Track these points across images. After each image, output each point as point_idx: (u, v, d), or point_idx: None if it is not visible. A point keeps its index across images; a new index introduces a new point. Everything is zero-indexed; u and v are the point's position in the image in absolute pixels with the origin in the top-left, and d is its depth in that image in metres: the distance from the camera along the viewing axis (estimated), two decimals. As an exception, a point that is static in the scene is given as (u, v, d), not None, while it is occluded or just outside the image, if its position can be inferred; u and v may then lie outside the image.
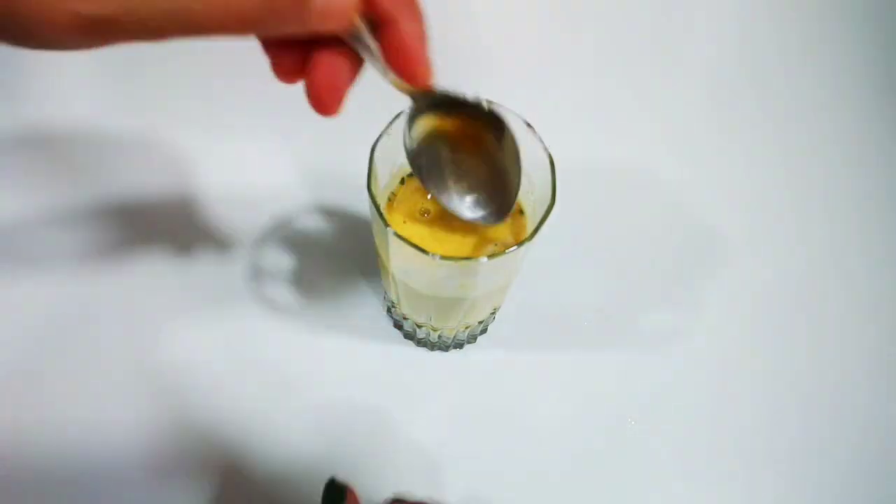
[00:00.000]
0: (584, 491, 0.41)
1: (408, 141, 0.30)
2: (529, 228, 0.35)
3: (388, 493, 0.34)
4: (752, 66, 0.58)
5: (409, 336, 0.43)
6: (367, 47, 0.25)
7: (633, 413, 0.43)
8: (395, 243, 0.31)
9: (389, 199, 0.36)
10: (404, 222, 0.35)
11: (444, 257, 0.30)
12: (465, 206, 0.33)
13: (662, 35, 0.59)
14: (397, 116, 0.32)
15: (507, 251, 0.30)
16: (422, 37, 0.26)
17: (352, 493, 0.28)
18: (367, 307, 0.44)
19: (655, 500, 0.41)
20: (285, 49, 0.26)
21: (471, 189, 0.32)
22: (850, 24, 0.61)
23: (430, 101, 0.29)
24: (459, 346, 0.44)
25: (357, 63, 0.26)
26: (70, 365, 0.42)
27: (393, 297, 0.38)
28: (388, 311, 0.43)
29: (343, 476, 0.29)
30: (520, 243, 0.31)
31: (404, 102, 0.29)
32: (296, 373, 0.42)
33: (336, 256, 0.46)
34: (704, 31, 0.60)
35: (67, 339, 0.43)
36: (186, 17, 0.22)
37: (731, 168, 0.53)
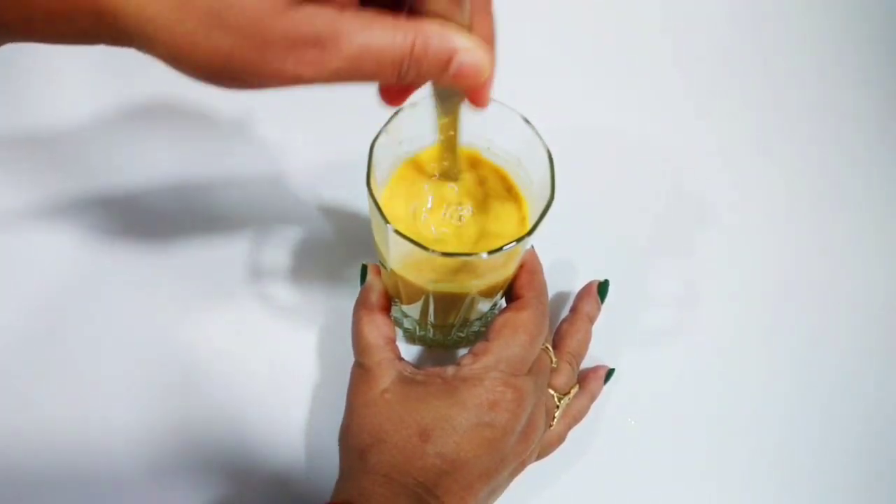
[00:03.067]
0: (584, 490, 0.41)
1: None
2: (530, 221, 0.35)
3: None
4: (751, 45, 0.58)
5: (408, 333, 0.44)
6: None
7: (633, 413, 0.43)
8: (394, 240, 0.31)
9: (388, 196, 0.36)
10: (403, 219, 0.35)
11: (443, 253, 0.30)
12: None
13: (656, 10, 0.59)
14: (396, 113, 0.32)
15: (506, 247, 0.31)
16: (492, 38, 0.27)
17: (372, 265, 0.38)
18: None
19: (656, 500, 0.41)
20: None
21: None
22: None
23: None
24: (459, 342, 0.44)
25: None
26: (68, 364, 0.42)
27: (393, 293, 0.38)
28: (388, 308, 0.43)
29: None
30: (519, 239, 0.31)
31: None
32: (295, 370, 0.43)
33: (335, 253, 0.46)
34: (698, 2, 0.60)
35: (65, 338, 0.43)
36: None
37: (727, 147, 0.53)
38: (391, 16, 0.24)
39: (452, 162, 0.34)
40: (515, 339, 0.34)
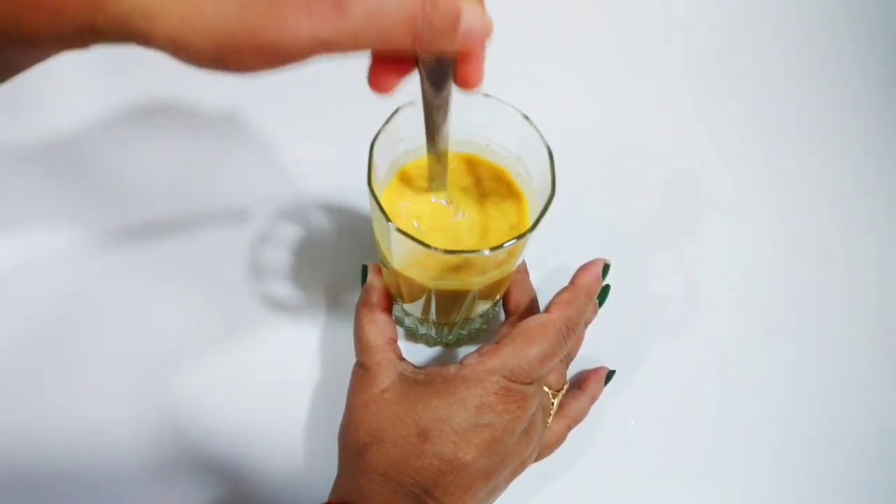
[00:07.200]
0: (584, 490, 0.41)
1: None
2: (530, 218, 0.35)
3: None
4: (751, 43, 0.59)
5: (410, 332, 0.43)
6: None
7: (632, 413, 0.43)
8: (396, 238, 0.31)
9: (390, 195, 0.36)
10: (405, 217, 0.35)
11: (445, 250, 0.30)
12: None
13: (656, 8, 0.60)
14: (395, 112, 0.32)
15: (507, 244, 0.31)
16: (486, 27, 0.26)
17: (373, 265, 0.39)
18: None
19: (655, 500, 0.41)
20: (392, 63, 0.26)
21: None
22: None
23: None
24: (461, 340, 0.44)
25: None
26: (69, 364, 0.42)
27: (395, 292, 0.38)
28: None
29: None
30: (520, 235, 0.31)
31: (401, 99, 0.30)
32: (296, 370, 0.42)
33: (336, 253, 0.46)
34: None
35: (66, 338, 0.42)
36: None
37: (727, 145, 0.53)
38: None
39: (440, 175, 0.34)
40: (528, 351, 0.34)
